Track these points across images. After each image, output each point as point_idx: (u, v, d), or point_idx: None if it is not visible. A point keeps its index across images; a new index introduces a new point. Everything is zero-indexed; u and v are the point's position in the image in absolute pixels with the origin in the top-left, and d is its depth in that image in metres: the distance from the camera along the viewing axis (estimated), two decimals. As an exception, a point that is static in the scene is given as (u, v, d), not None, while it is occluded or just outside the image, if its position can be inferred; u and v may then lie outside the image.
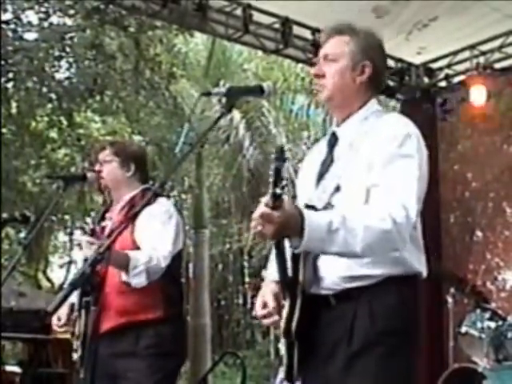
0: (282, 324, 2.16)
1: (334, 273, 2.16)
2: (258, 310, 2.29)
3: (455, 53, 6.80)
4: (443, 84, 7.23)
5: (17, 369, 8.20)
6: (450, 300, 5.46)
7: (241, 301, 17.74)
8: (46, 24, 10.04)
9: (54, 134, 11.91)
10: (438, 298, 6.11)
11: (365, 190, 2.14)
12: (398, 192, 2.08)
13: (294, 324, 2.12)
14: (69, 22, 10.45)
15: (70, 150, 12.04)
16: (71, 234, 17.99)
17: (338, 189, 2.19)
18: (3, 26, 9.62)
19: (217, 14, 6.07)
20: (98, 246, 2.81)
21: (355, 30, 2.32)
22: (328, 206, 2.18)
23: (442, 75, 7.15)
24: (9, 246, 15.07)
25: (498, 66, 6.67)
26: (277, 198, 1.90)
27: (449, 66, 7.02)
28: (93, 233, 3.33)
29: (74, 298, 3.08)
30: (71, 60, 10.77)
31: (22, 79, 10.09)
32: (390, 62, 6.81)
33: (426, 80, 7.25)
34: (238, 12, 6.07)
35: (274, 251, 2.21)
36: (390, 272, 2.15)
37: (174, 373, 3.38)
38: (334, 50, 2.30)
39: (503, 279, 6.58)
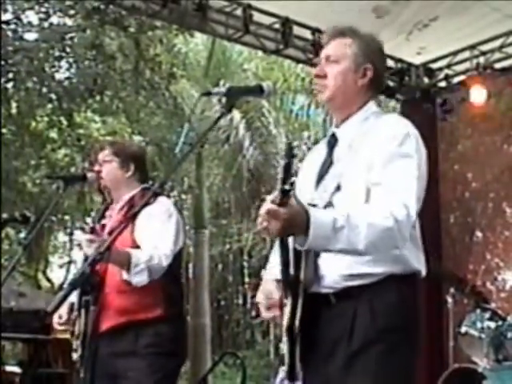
0: (285, 322, 2.16)
1: (334, 271, 2.17)
2: (261, 300, 2.30)
3: (455, 53, 6.80)
4: (443, 84, 7.23)
5: (17, 369, 8.19)
6: (449, 300, 5.46)
7: (241, 301, 17.74)
8: (46, 24, 10.05)
9: (54, 134, 11.91)
10: (438, 298, 6.11)
11: (365, 189, 2.15)
12: (399, 191, 2.10)
13: (297, 321, 2.13)
14: (69, 22, 10.45)
15: (69, 151, 12.04)
16: (71, 234, 18.01)
17: (338, 188, 2.20)
18: (3, 26, 9.62)
19: (217, 14, 6.07)
20: (99, 243, 2.82)
21: (357, 32, 2.35)
22: (329, 205, 2.19)
23: (441, 75, 7.15)
24: (9, 246, 15.08)
25: (498, 66, 6.66)
26: (285, 195, 1.90)
27: (449, 66, 7.02)
28: (92, 231, 3.33)
29: (73, 297, 3.08)
30: (71, 60, 10.78)
31: (22, 79, 10.09)
32: (390, 62, 6.82)
33: (425, 80, 7.25)
34: (238, 12, 6.07)
35: (278, 249, 2.21)
36: (391, 270, 2.17)
37: (174, 372, 3.37)
38: (336, 51, 2.32)
39: (503, 279, 6.58)
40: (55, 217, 13.90)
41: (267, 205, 1.92)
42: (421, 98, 7.23)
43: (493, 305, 5.74)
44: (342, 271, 2.16)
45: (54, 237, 19.01)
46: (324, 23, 6.12)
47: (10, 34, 9.77)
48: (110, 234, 3.14)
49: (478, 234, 6.83)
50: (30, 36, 10.11)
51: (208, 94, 2.33)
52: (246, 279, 17.01)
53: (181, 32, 10.27)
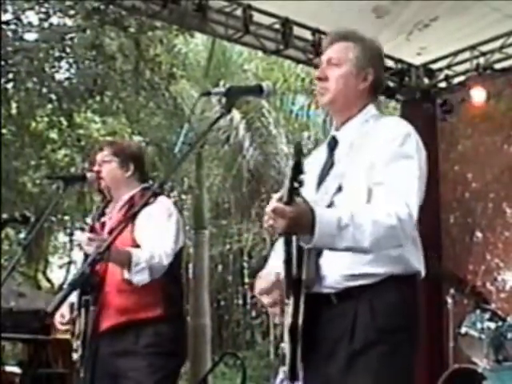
0: (287, 322, 2.16)
1: (336, 271, 2.17)
2: (260, 287, 2.29)
3: (455, 53, 6.80)
4: (443, 85, 7.23)
5: (17, 369, 8.19)
6: (449, 301, 5.46)
7: (240, 301, 17.76)
8: (46, 24, 10.05)
9: (54, 134, 11.92)
10: (438, 299, 6.11)
11: (366, 189, 2.17)
12: (401, 191, 2.12)
13: (300, 321, 2.12)
14: (69, 22, 10.45)
15: (69, 151, 12.05)
16: (71, 234, 18.02)
17: (339, 189, 2.21)
18: (3, 26, 9.62)
19: (217, 15, 6.07)
20: (99, 242, 2.82)
21: (359, 36, 2.37)
22: (330, 206, 2.20)
23: (442, 76, 7.15)
24: (9, 246, 15.09)
25: (498, 66, 6.66)
26: (294, 193, 1.91)
27: (449, 66, 7.01)
28: (92, 230, 3.34)
29: (73, 297, 3.07)
30: (71, 60, 10.78)
31: (22, 80, 10.09)
32: (390, 63, 6.82)
33: (426, 81, 7.25)
34: (238, 12, 6.07)
35: (280, 248, 2.22)
36: (392, 270, 2.17)
37: (174, 372, 3.37)
38: (337, 54, 2.34)
39: (503, 280, 6.57)
40: (55, 217, 13.91)
41: (274, 203, 1.93)
42: (421, 98, 7.23)
43: (493, 305, 5.74)
44: (344, 271, 2.17)
45: (53, 237, 19.02)
46: (324, 23, 6.17)
47: (9, 34, 9.78)
48: (109, 233, 3.14)
49: (478, 234, 6.83)
50: (30, 36, 10.12)
51: (208, 94, 2.34)
52: (246, 280, 17.02)
53: (181, 32, 10.28)
